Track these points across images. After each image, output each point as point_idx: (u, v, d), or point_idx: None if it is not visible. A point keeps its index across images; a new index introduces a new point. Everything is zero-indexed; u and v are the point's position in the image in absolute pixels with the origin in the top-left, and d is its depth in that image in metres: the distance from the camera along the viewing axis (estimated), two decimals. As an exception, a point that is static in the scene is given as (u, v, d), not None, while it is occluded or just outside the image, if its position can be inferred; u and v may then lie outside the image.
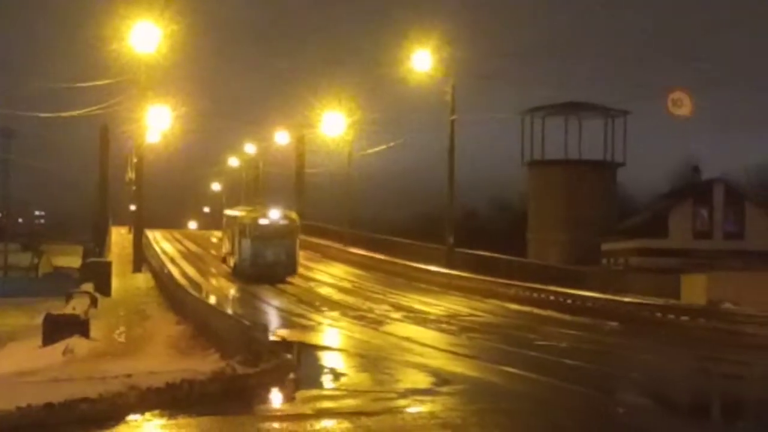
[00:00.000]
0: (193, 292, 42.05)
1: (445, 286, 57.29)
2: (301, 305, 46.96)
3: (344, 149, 78.18)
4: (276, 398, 21.70)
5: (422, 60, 62.27)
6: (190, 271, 63.76)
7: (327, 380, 24.57)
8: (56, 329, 31.60)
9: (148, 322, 38.73)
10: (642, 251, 65.98)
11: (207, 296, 45.93)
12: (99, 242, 71.49)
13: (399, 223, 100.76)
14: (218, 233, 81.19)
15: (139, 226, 67.35)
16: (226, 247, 66.49)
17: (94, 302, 40.46)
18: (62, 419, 17.75)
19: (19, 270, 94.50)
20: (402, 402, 20.79)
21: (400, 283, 59.55)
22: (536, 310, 46.58)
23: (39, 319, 34.16)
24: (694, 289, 48.13)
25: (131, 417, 18.42)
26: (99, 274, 49.89)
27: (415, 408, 20.11)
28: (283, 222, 60.37)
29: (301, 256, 62.39)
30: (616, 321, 41.46)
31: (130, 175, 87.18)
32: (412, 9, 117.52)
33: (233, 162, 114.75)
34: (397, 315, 43.14)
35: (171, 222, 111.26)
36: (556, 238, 75.40)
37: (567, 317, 43.51)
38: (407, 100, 72.03)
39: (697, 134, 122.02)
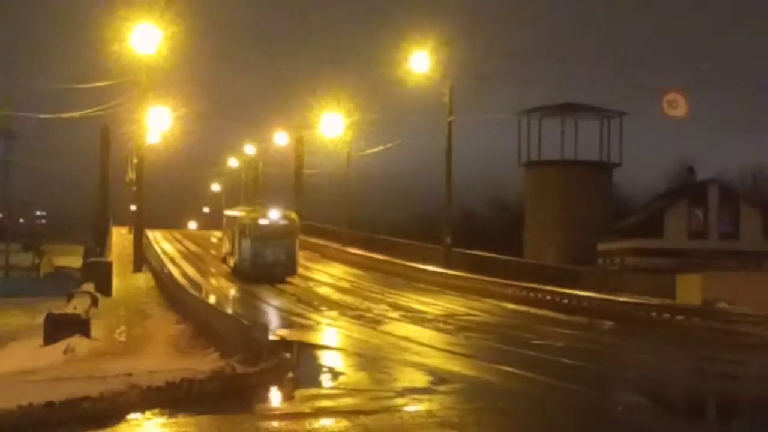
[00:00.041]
0: (193, 292, 42.10)
1: (443, 286, 57.41)
2: (299, 305, 47.03)
3: (343, 150, 78.31)
4: (275, 397, 21.76)
5: (420, 61, 62.38)
6: (190, 271, 63.79)
7: (326, 379, 24.62)
8: (57, 329, 31.54)
9: (148, 321, 38.76)
10: (638, 251, 66.11)
11: (207, 296, 45.96)
12: (100, 242, 71.42)
13: (397, 223, 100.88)
14: (218, 233, 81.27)
15: (139, 226, 67.38)
16: (226, 248, 66.50)
17: (94, 302, 40.31)
18: (63, 418, 17.79)
19: (20, 270, 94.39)
20: (400, 401, 20.85)
21: (398, 283, 59.63)
22: (533, 310, 46.72)
23: (40, 319, 34.11)
24: (690, 288, 48.23)
25: (132, 415, 18.48)
26: (100, 274, 49.77)
27: (413, 407, 20.17)
28: (282, 222, 60.38)
29: (300, 256, 62.33)
30: (612, 320, 41.66)
31: (131, 175, 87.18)
32: (411, 10, 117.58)
33: (233, 163, 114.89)
34: (395, 314, 43.23)
35: (171, 222, 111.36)
36: (552, 238, 75.54)
37: (563, 317, 43.64)
38: (405, 101, 72.15)
39: (693, 135, 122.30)
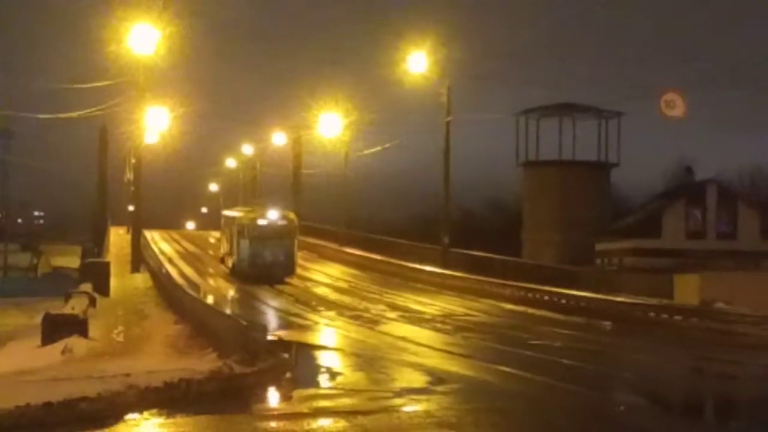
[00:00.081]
0: (191, 292, 42.17)
1: (441, 286, 57.47)
2: (297, 305, 47.08)
3: (341, 150, 78.32)
4: (273, 397, 21.86)
5: (418, 61, 62.40)
6: (188, 271, 63.72)
7: (323, 379, 24.70)
8: (55, 329, 31.45)
9: (146, 321, 38.74)
10: (635, 251, 66.16)
11: (205, 296, 46.09)
12: (98, 242, 71.48)
13: (395, 223, 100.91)
14: (216, 233, 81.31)
15: (137, 226, 67.46)
16: (224, 248, 66.51)
17: (92, 302, 40.35)
18: (61, 418, 17.86)
19: (18, 270, 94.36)
20: (398, 401, 20.89)
21: (396, 283, 59.70)
22: (530, 310, 46.78)
23: (38, 319, 33.99)
24: (687, 289, 48.30)
25: (130, 416, 18.55)
26: (98, 275, 49.79)
27: (411, 407, 20.23)
28: (281, 222, 60.34)
29: (298, 256, 62.44)
30: (610, 321, 41.70)
31: (129, 175, 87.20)
32: (409, 10, 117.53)
33: (231, 163, 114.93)
34: (392, 314, 43.28)
35: (169, 222, 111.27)
36: (550, 239, 75.61)
37: (561, 317, 43.67)
38: (403, 102, 72.16)
39: (691, 135, 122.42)
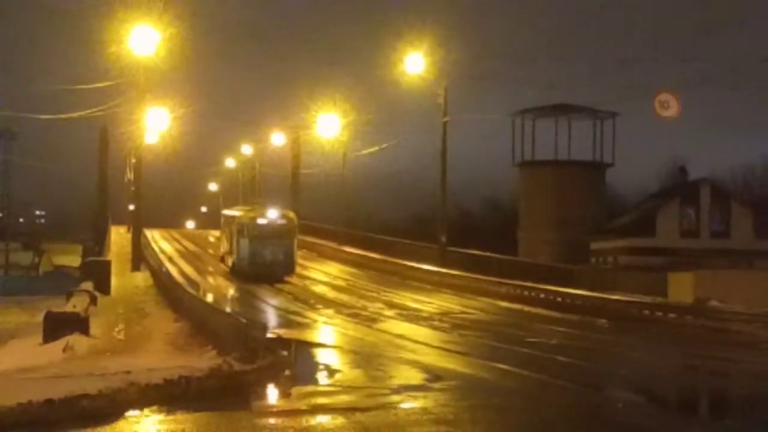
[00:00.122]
0: (191, 291, 42.21)
1: (438, 285, 57.58)
2: (296, 303, 47.16)
3: (339, 150, 78.49)
4: (272, 394, 21.89)
5: (415, 62, 62.55)
6: (188, 269, 63.75)
7: (322, 377, 24.72)
8: (57, 327, 31.47)
9: (146, 319, 38.78)
10: (630, 250, 66.25)
11: (204, 294, 46.18)
12: (98, 241, 71.49)
13: (393, 222, 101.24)
14: (216, 232, 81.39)
15: (137, 225, 67.45)
16: (224, 247, 66.40)
17: (93, 300, 40.24)
18: (62, 415, 17.88)
19: (20, 269, 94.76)
20: (395, 398, 20.89)
21: (394, 282, 59.80)
22: (527, 308, 46.89)
23: (40, 317, 34.06)
24: (682, 287, 48.37)
25: (130, 413, 18.59)
26: (98, 273, 49.72)
27: (408, 404, 20.26)
28: (281, 222, 60.27)
29: (297, 255, 62.48)
30: (605, 318, 41.80)
31: (129, 175, 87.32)
32: (407, 11, 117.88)
33: (230, 163, 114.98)
34: (390, 312, 43.38)
35: (169, 222, 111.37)
36: (546, 237, 75.78)
37: (557, 315, 43.84)
38: (401, 102, 72.28)
39: (685, 135, 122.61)
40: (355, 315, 41.84)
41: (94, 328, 33.74)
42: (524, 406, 20.70)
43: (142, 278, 58.07)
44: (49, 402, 18.08)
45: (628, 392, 24.28)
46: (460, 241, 68.71)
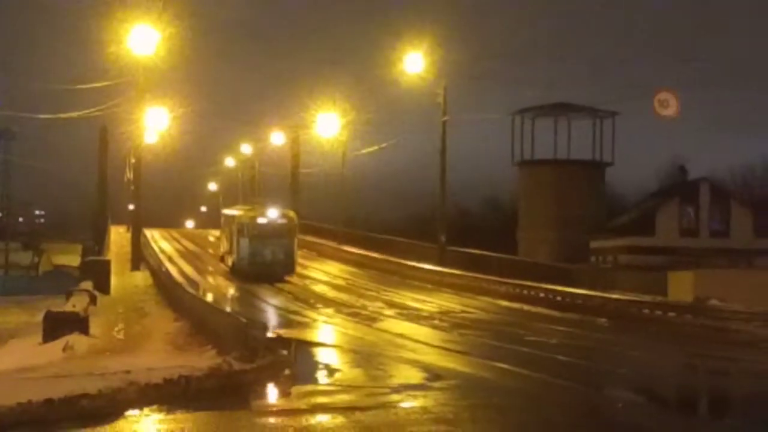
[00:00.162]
0: (191, 290, 42.24)
1: (438, 284, 57.55)
2: (296, 302, 47.15)
3: (339, 149, 78.55)
4: (272, 394, 21.95)
5: (415, 62, 62.62)
6: (188, 269, 63.77)
7: (322, 376, 24.76)
8: (56, 326, 31.52)
9: (146, 319, 38.86)
10: (630, 249, 66.25)
11: (204, 294, 46.19)
12: (98, 241, 71.56)
13: (392, 222, 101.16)
14: (215, 232, 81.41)
15: (137, 225, 67.56)
16: (224, 246, 66.27)
17: (93, 300, 40.30)
18: (62, 414, 17.93)
19: (19, 268, 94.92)
20: (395, 397, 20.96)
21: (394, 281, 59.76)
22: (527, 307, 46.83)
23: (39, 317, 34.10)
24: (681, 286, 48.36)
25: (130, 412, 18.64)
26: (98, 273, 49.78)
27: (408, 403, 20.32)
28: (281, 221, 60.15)
29: (297, 254, 62.53)
30: (605, 318, 41.77)
31: (129, 175, 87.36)
32: (407, 11, 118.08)
33: (229, 162, 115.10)
34: (390, 312, 43.38)
35: (169, 221, 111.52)
36: (546, 237, 75.79)
37: (557, 314, 43.81)
38: (400, 102, 72.33)
39: (684, 134, 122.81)
40: (355, 314, 41.85)
41: (94, 327, 33.79)
42: (524, 406, 20.73)
43: (141, 278, 58.14)
44: (48, 401, 18.13)
45: (627, 391, 24.30)
46: (459, 241, 68.74)
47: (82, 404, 18.46)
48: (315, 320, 40.06)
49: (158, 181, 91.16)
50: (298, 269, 61.33)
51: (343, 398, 20.89)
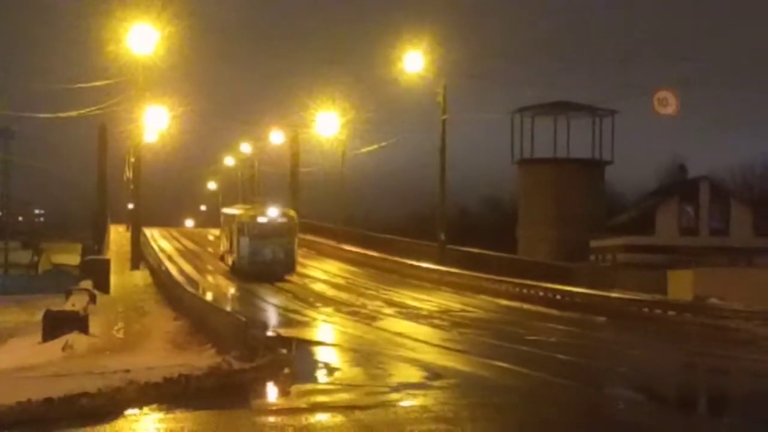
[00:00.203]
0: (190, 289, 42.17)
1: (437, 283, 57.61)
2: (296, 301, 47.17)
3: (338, 149, 78.59)
4: (271, 392, 22.00)
5: (414, 61, 62.70)
6: (188, 268, 63.76)
7: (321, 375, 24.82)
8: (56, 325, 31.50)
9: (146, 318, 38.90)
10: (629, 248, 66.34)
11: (204, 293, 46.20)
12: (98, 240, 71.64)
13: (392, 220, 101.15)
14: (215, 231, 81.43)
15: (137, 224, 67.59)
16: (224, 246, 66.16)
17: (93, 299, 40.36)
18: (62, 413, 17.97)
19: (19, 267, 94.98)
20: (395, 396, 21.02)
21: (393, 280, 59.78)
22: (526, 306, 46.91)
23: (39, 316, 34.07)
24: (681, 284, 48.36)
25: (130, 411, 18.69)
26: (98, 272, 49.85)
27: (408, 402, 20.37)
28: (281, 220, 60.06)
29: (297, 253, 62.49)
30: (605, 316, 41.77)
31: (128, 174, 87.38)
32: (406, 10, 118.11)
33: (229, 161, 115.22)
34: (389, 311, 43.40)
35: (168, 220, 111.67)
36: (545, 235, 75.89)
37: (556, 313, 43.89)
38: (400, 101, 72.31)
39: (684, 133, 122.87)
40: (354, 313, 41.89)
41: (94, 326, 33.77)
42: (523, 404, 20.78)
43: (141, 277, 58.23)
44: (48, 400, 18.17)
45: (627, 390, 24.33)
46: (459, 239, 68.79)
47: (82, 403, 18.50)
48: (314, 319, 40.04)
49: (158, 180, 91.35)
50: (298, 268, 61.28)
51: (342, 397, 20.94)
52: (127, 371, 21.34)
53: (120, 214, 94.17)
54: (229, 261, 62.42)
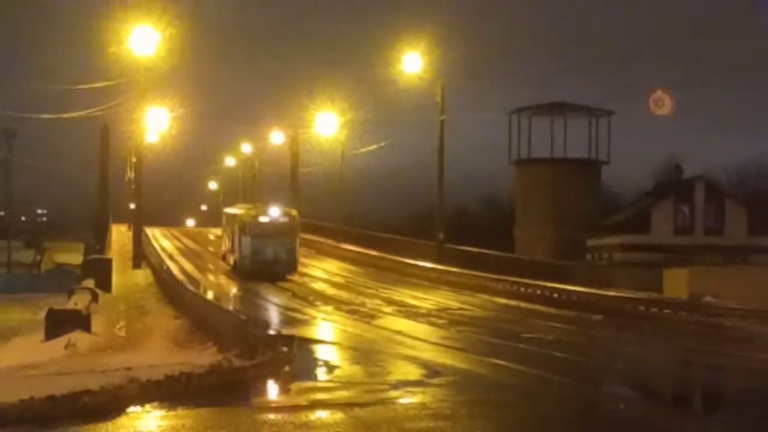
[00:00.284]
0: (191, 288, 42.29)
1: (436, 281, 57.78)
2: (295, 300, 47.31)
3: (337, 149, 78.77)
4: (272, 390, 22.06)
5: (413, 61, 62.85)
6: (189, 267, 63.91)
7: (321, 372, 24.90)
8: (58, 324, 31.54)
9: (147, 317, 38.99)
10: (625, 247, 66.50)
11: (205, 292, 46.31)
12: (100, 240, 71.72)
13: (391, 220, 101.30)
14: (216, 230, 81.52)
15: (138, 223, 67.70)
16: (225, 245, 66.01)
17: (95, 298, 40.28)
18: (64, 411, 17.99)
19: (22, 267, 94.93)
20: (394, 393, 21.12)
21: (392, 278, 59.93)
22: (523, 304, 47.08)
23: (42, 315, 34.16)
24: (676, 283, 48.37)
25: (132, 409, 18.74)
26: (100, 271, 49.86)
27: (407, 399, 20.48)
28: (283, 219, 59.94)
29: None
30: (601, 314, 41.88)
31: (130, 174, 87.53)
32: (405, 11, 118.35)
33: (230, 161, 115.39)
34: (388, 309, 43.55)
35: (170, 220, 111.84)
36: (542, 234, 76.07)
37: (553, 311, 44.07)
38: (399, 101, 72.52)
39: (680, 133, 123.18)
40: (353, 311, 42.01)
41: (96, 325, 33.86)
42: (521, 402, 20.89)
43: (142, 276, 58.26)
44: (51, 398, 18.24)
45: (623, 387, 24.45)
46: (457, 239, 68.96)
47: (84, 401, 18.53)
48: (314, 317, 40.13)
49: (159, 180, 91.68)
50: (298, 267, 61.35)
51: (342, 394, 21.02)
52: (129, 369, 21.40)
53: (122, 213, 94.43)
54: (231, 260, 62.31)
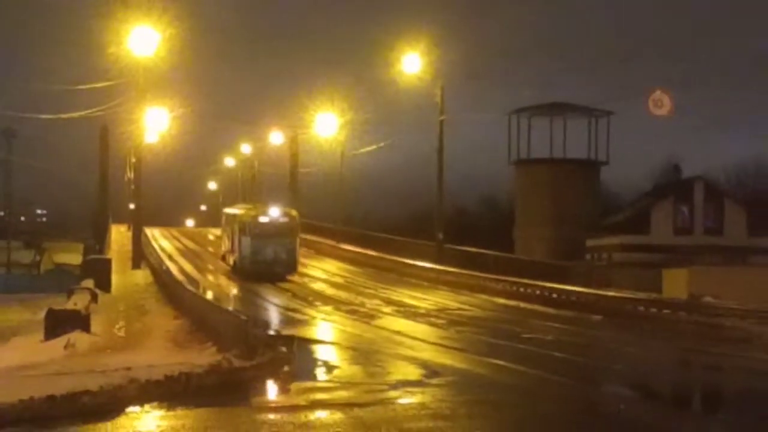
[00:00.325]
0: (191, 288, 42.28)
1: (435, 281, 57.80)
2: (295, 300, 47.31)
3: (337, 149, 78.76)
4: (271, 390, 22.07)
5: (412, 62, 62.91)
6: (188, 267, 63.88)
7: (321, 373, 24.91)
8: (58, 324, 31.50)
9: (147, 317, 39.00)
10: (625, 247, 66.49)
11: (204, 292, 46.31)
12: (99, 240, 71.80)
13: (390, 220, 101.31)
14: (215, 230, 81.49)
15: (138, 224, 67.71)
16: (225, 245, 65.84)
17: (94, 298, 40.27)
18: (64, 411, 18.00)
19: (21, 267, 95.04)
20: (393, 393, 21.14)
21: (391, 279, 59.95)
22: (523, 304, 47.10)
23: (41, 315, 34.15)
24: (676, 283, 48.37)
25: (131, 409, 18.76)
26: (99, 271, 49.85)
27: (406, 399, 20.50)
28: (283, 220, 59.77)
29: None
30: (600, 314, 41.91)
31: (129, 174, 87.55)
32: (405, 11, 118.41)
33: (229, 162, 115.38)
34: (388, 309, 43.54)
35: (169, 220, 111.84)
36: (542, 235, 76.07)
37: (552, 311, 44.08)
38: (398, 101, 72.45)
39: (679, 134, 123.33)
40: (353, 312, 42.02)
41: (95, 325, 33.85)
42: (520, 402, 20.90)
43: (142, 276, 58.29)
44: (50, 398, 18.25)
45: (623, 387, 24.44)
46: (456, 239, 68.99)
47: (84, 401, 18.54)
48: (314, 318, 40.13)
49: (158, 181, 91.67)
50: (298, 267, 61.34)
51: (341, 394, 21.05)
52: (129, 369, 21.40)
53: (121, 213, 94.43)
54: (231, 261, 62.21)
